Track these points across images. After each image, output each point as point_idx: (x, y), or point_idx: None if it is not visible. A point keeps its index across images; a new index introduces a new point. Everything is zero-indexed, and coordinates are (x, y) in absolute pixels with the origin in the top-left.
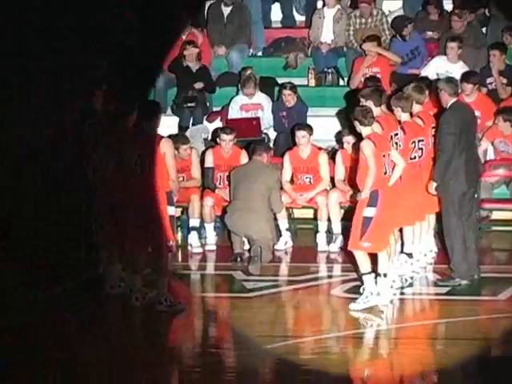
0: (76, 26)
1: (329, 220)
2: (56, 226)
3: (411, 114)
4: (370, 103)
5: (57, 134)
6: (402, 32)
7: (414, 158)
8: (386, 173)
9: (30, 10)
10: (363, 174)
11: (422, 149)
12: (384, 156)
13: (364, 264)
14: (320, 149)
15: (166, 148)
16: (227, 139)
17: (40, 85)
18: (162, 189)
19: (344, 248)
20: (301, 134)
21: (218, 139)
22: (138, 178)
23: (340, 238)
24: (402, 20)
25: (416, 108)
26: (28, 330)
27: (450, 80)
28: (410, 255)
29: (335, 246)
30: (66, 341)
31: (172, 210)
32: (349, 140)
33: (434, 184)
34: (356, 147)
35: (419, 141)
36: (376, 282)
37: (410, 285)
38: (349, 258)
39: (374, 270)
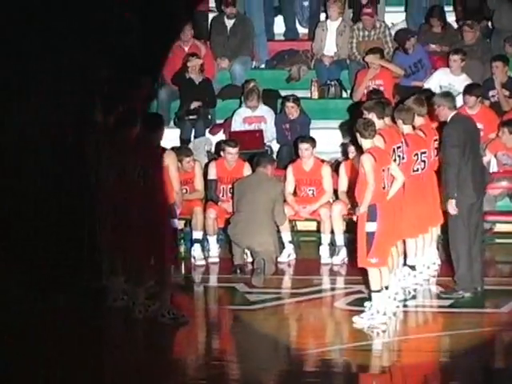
0: (76, 26)
1: (332, 232)
2: (57, 232)
3: (414, 127)
4: (372, 115)
5: (57, 134)
6: (404, 45)
7: (417, 170)
8: (384, 187)
9: (29, 9)
10: (362, 188)
11: (424, 161)
12: (383, 170)
13: (376, 281)
14: (323, 161)
15: (169, 160)
16: (233, 152)
17: (40, 85)
18: (166, 201)
19: (355, 265)
20: (304, 147)
21: (221, 152)
22: (141, 191)
23: (343, 251)
24: (405, 33)
25: (418, 121)
26: (28, 338)
27: (446, 94)
28: (412, 268)
29: (338, 259)
30: (67, 354)
31: (175, 223)
32: (353, 150)
33: (453, 201)
34: (357, 160)
35: (422, 153)
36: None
37: (413, 297)
38: (352, 271)
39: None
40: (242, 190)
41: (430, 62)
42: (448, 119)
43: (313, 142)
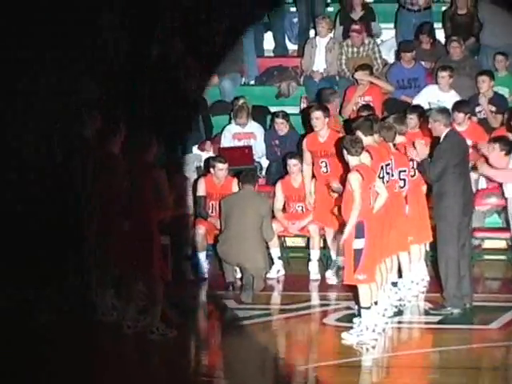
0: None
1: (323, 248)
2: (45, 246)
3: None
4: (359, 133)
5: (46, 149)
6: (399, 56)
7: (396, 188)
8: (370, 203)
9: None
10: (349, 206)
11: (404, 179)
12: (370, 188)
13: (366, 298)
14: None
15: (160, 176)
16: (223, 168)
17: (31, 108)
18: (155, 217)
19: (342, 281)
20: (292, 163)
21: (211, 168)
22: (131, 206)
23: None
24: (402, 45)
25: (398, 139)
26: (16, 356)
27: (443, 110)
28: (394, 284)
29: (331, 273)
30: (55, 371)
31: (165, 239)
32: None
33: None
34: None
35: (401, 171)
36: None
37: (400, 313)
38: (341, 287)
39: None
40: (230, 206)
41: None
42: (443, 135)
43: (301, 158)
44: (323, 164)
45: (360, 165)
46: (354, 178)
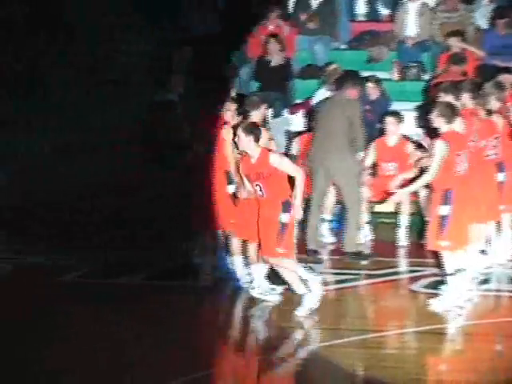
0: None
1: (413, 214)
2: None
3: (490, 111)
4: (450, 98)
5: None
6: (494, 23)
7: (487, 156)
8: (458, 171)
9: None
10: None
11: (496, 146)
12: (458, 155)
13: (449, 264)
14: (408, 139)
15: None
16: None
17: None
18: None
19: (424, 247)
20: (390, 121)
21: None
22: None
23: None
24: (497, 12)
25: (496, 105)
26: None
27: None
28: (483, 251)
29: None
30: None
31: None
32: None
33: None
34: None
35: (495, 138)
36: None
37: (488, 281)
38: (430, 254)
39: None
40: (320, 112)
41: None
42: None
43: (399, 116)
44: (258, 188)
45: (450, 132)
46: (438, 146)
